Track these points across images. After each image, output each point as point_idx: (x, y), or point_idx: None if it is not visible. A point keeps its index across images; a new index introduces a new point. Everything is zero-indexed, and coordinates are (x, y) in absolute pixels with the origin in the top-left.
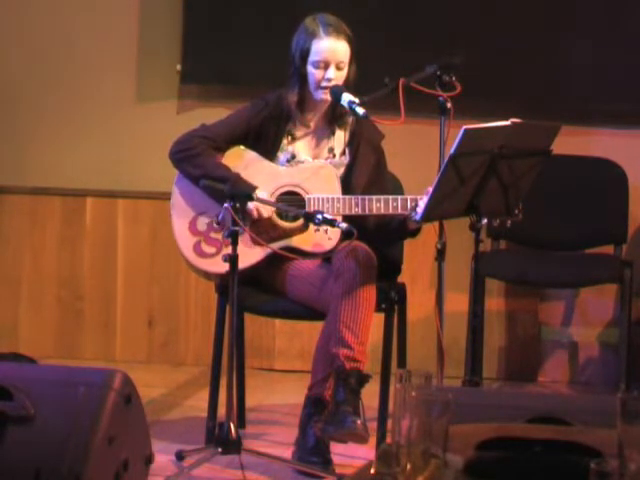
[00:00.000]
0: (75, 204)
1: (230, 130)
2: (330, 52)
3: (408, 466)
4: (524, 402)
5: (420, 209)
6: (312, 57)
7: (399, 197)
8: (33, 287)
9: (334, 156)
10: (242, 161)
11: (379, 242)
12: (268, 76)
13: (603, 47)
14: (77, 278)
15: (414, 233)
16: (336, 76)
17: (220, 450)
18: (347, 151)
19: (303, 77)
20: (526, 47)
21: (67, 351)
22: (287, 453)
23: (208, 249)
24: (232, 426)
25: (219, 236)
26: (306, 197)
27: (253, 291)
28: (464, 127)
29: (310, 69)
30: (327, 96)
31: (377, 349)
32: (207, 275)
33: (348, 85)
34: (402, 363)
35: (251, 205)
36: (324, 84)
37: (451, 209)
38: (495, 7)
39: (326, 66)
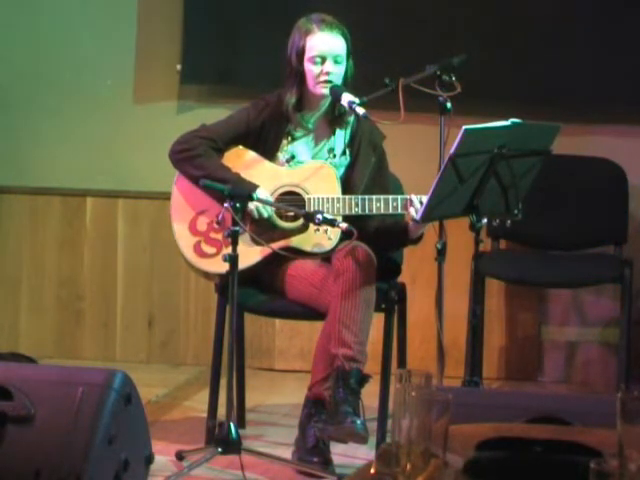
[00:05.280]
0: (75, 204)
1: (230, 130)
2: (326, 46)
3: (408, 466)
4: (524, 402)
5: (420, 209)
6: (308, 53)
7: (399, 197)
8: (33, 287)
9: (334, 156)
10: (242, 161)
11: (379, 248)
12: (268, 76)
13: (603, 47)
14: (77, 278)
15: (416, 241)
16: (334, 70)
17: (220, 450)
18: (347, 151)
19: (301, 76)
20: (526, 47)
21: (67, 351)
22: (287, 453)
23: (208, 249)
24: (232, 426)
25: (219, 236)
26: (306, 197)
27: (253, 291)
28: (464, 127)
29: (307, 66)
30: (326, 91)
31: (377, 349)
32: (207, 275)
33: (346, 82)
34: (402, 363)
35: (251, 205)
36: (322, 78)
37: (451, 209)
38: (495, 7)
39: (323, 60)
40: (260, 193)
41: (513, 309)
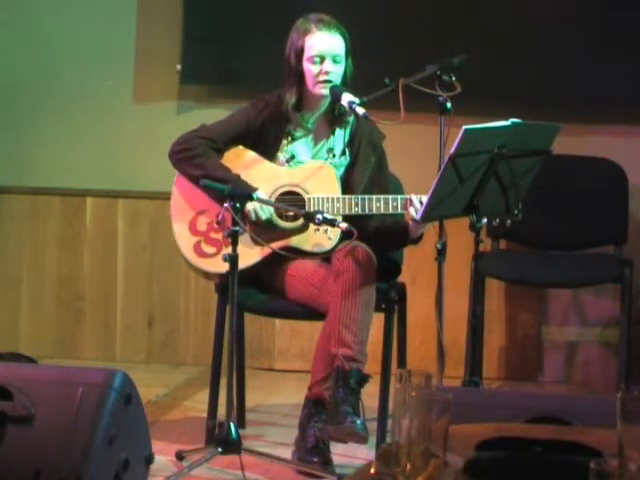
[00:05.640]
0: (75, 204)
1: (230, 130)
2: (324, 45)
3: (408, 466)
4: (524, 402)
5: (420, 209)
6: (307, 53)
7: (399, 197)
8: (33, 287)
9: (334, 156)
10: (242, 161)
11: (379, 247)
12: (268, 76)
13: (603, 47)
14: (77, 278)
15: (416, 241)
16: (333, 69)
17: (220, 450)
18: (347, 151)
19: (300, 76)
20: (526, 47)
21: (67, 351)
22: (287, 453)
23: (208, 249)
24: (232, 426)
25: (219, 236)
26: (306, 197)
27: (253, 291)
28: (464, 127)
29: (306, 66)
30: (326, 91)
31: (377, 349)
32: (207, 275)
33: (345, 81)
34: (402, 363)
35: (249, 206)
36: (322, 78)
37: (451, 209)
38: (495, 7)
39: (322, 60)
40: (259, 196)
41: (513, 309)
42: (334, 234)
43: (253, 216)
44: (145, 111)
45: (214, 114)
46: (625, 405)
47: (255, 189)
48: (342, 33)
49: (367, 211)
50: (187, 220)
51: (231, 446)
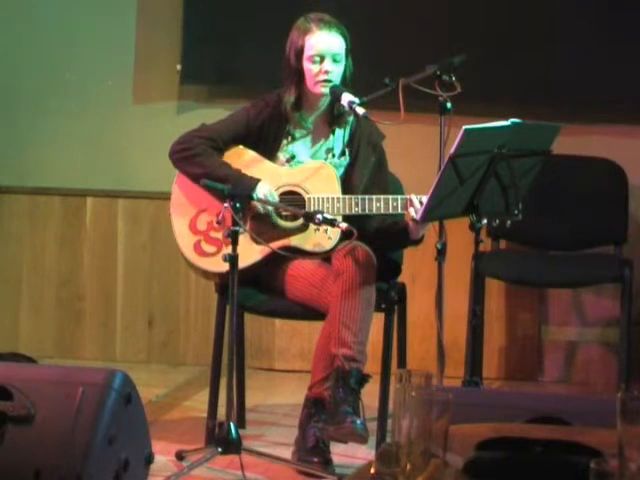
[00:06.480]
0: (75, 204)
1: (230, 130)
2: (324, 44)
3: (408, 466)
4: (524, 402)
5: (420, 209)
6: (307, 52)
7: (399, 197)
8: (33, 287)
9: (334, 156)
10: (242, 161)
11: (380, 248)
12: (268, 76)
13: (603, 47)
14: (77, 278)
15: (417, 241)
16: (333, 69)
17: (220, 450)
18: (347, 151)
19: (300, 76)
20: (527, 47)
21: (67, 351)
22: (287, 453)
23: (208, 248)
24: (232, 426)
25: (219, 235)
26: (306, 197)
27: (253, 291)
28: (464, 127)
29: (306, 65)
30: (326, 90)
31: (377, 349)
32: (206, 275)
33: (345, 81)
34: (402, 363)
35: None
36: (322, 77)
37: (451, 209)
38: (495, 7)
39: (322, 60)
40: (262, 187)
41: (513, 309)
42: (334, 234)
43: (261, 209)
44: (145, 111)
45: (214, 114)
46: (625, 405)
47: (258, 180)
48: (342, 33)
49: (367, 211)
50: (187, 219)
51: (231, 446)
